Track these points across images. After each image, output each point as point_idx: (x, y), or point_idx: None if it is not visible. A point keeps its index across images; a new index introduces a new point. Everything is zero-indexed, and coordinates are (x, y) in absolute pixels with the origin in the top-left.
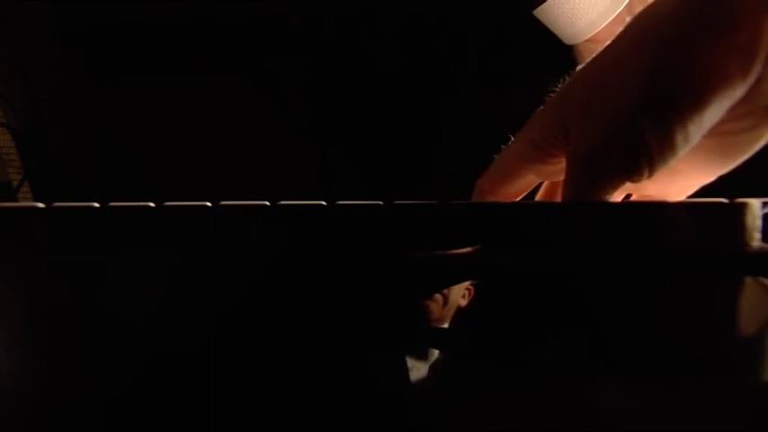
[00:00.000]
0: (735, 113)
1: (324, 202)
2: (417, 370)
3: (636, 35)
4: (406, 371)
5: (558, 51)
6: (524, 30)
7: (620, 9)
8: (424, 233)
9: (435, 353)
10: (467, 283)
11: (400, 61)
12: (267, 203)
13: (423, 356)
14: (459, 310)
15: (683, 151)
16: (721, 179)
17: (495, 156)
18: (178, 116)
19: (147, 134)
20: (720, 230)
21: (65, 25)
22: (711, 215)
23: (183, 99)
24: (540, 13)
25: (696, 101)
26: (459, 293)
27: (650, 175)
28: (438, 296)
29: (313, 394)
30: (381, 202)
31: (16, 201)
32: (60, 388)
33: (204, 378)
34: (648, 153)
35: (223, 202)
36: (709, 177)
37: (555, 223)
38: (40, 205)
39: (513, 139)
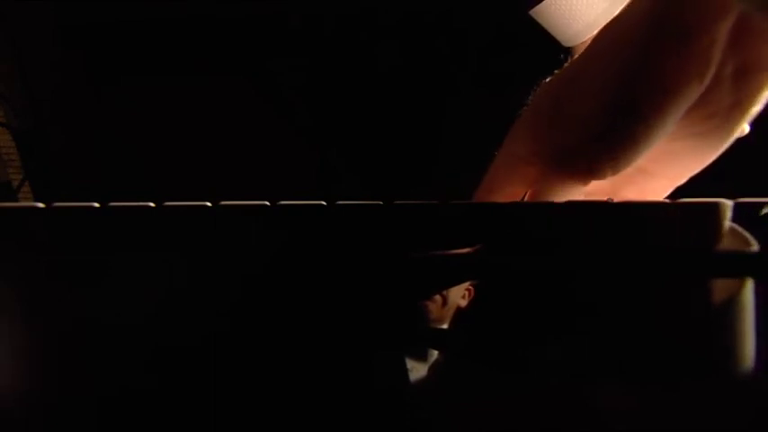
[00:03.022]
0: (699, 115)
1: (324, 202)
2: (417, 370)
3: (604, 43)
4: (405, 371)
5: (558, 52)
6: (524, 30)
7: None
8: (424, 233)
9: (435, 353)
10: (466, 284)
11: (400, 61)
12: (267, 203)
13: (422, 357)
14: (459, 310)
15: (644, 152)
16: (721, 179)
17: (490, 158)
18: (178, 116)
19: (147, 134)
20: (718, 230)
21: (65, 25)
22: (711, 215)
23: (183, 99)
24: (537, 13)
25: (657, 103)
26: (459, 294)
27: (614, 174)
28: (437, 297)
29: (313, 394)
30: (381, 202)
31: (16, 201)
32: (60, 388)
33: (204, 378)
34: (613, 156)
35: (223, 202)
36: (682, 178)
37: (555, 223)
38: (40, 205)
39: (497, 153)
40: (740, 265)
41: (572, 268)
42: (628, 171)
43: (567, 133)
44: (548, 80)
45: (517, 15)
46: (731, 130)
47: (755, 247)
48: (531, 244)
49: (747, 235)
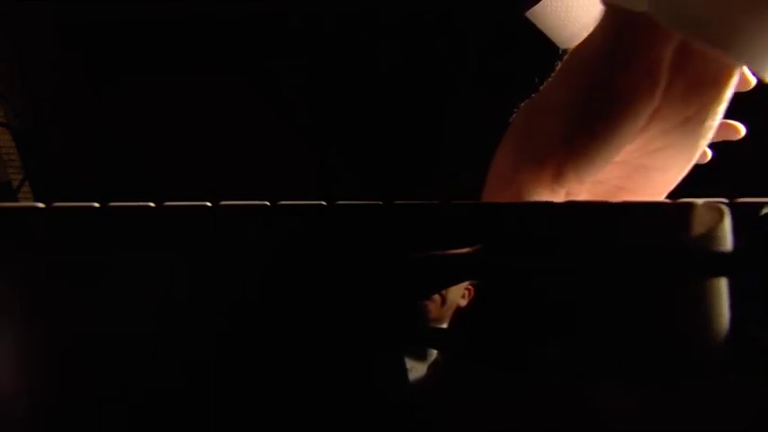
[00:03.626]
0: (656, 131)
1: (324, 202)
2: (416, 370)
3: (572, 63)
4: (405, 371)
5: (558, 52)
6: (524, 30)
7: None
8: (424, 233)
9: (434, 353)
10: (466, 283)
11: (400, 61)
12: (267, 203)
13: (422, 357)
14: (459, 310)
15: (604, 160)
16: (721, 179)
17: (490, 158)
18: (178, 116)
19: (147, 134)
20: (716, 230)
21: (65, 25)
22: (710, 215)
23: (183, 99)
24: (533, 15)
25: (617, 110)
26: (459, 293)
27: (579, 182)
28: (436, 296)
29: (313, 394)
30: (381, 202)
31: (16, 201)
32: (60, 388)
33: (204, 378)
34: (578, 160)
35: (223, 202)
36: (661, 193)
37: (555, 223)
38: (40, 205)
39: (487, 175)
40: (739, 263)
41: (572, 268)
42: (608, 189)
43: (537, 142)
44: (525, 102)
45: (517, 16)
46: (693, 146)
47: (728, 217)
48: (530, 244)
49: (723, 207)
